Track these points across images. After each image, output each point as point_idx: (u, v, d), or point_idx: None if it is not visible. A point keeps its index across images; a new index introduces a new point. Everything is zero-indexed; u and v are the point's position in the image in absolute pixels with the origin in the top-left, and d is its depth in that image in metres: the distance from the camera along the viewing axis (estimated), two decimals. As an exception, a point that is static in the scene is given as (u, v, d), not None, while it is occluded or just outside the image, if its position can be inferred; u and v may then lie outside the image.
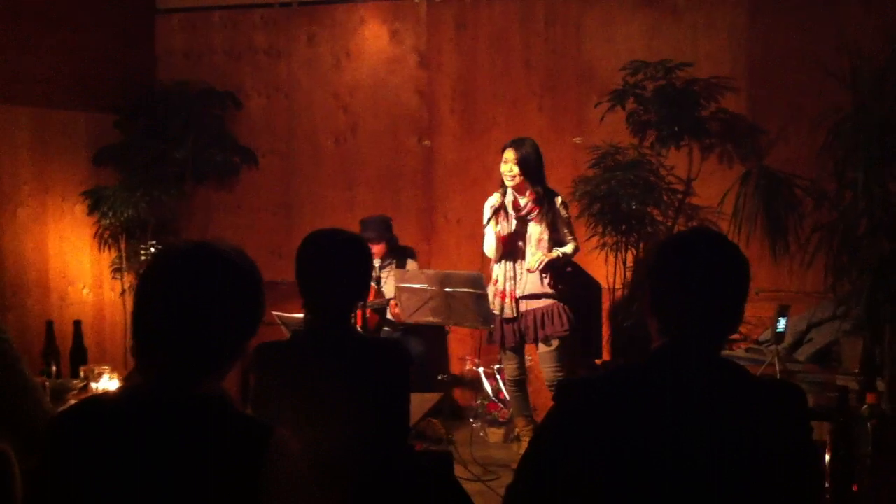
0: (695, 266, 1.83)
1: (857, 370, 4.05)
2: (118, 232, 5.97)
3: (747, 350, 4.83)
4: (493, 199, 4.93)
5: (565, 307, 4.95)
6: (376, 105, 6.29)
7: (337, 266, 2.65)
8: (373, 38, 6.28)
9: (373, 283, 5.64)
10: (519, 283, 4.96)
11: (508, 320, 4.97)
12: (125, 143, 6.04)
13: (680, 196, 5.46)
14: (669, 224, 5.41)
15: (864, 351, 3.96)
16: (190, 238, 1.51)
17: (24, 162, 5.35)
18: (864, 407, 2.76)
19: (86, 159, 5.85)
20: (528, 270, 4.93)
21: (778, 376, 3.95)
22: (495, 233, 4.91)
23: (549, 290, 4.93)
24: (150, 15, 6.54)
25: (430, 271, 5.05)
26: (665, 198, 5.43)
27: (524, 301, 4.96)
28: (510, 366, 5.12)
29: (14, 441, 2.68)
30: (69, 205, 5.72)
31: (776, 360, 4.05)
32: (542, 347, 4.98)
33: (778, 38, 5.50)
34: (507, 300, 4.95)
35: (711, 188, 5.34)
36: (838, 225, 4.33)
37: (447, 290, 4.75)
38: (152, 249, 5.39)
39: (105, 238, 5.97)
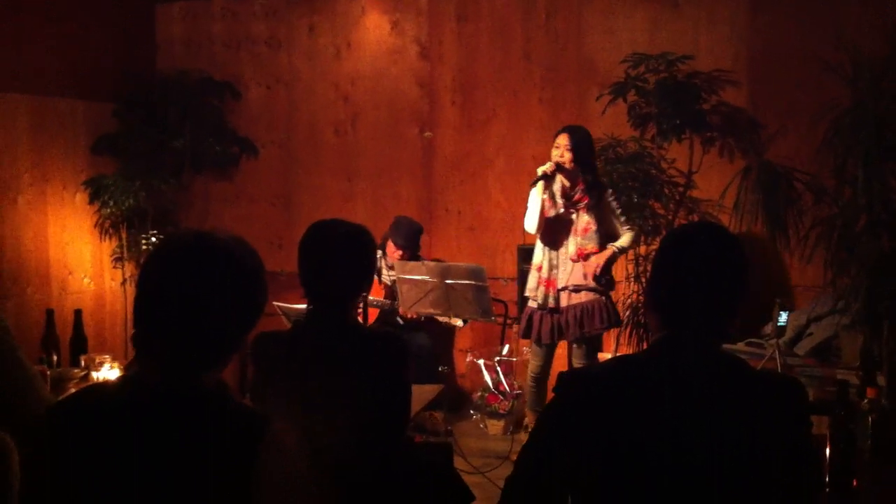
0: (692, 259, 1.84)
1: (856, 364, 4.05)
2: (119, 221, 5.97)
3: (747, 343, 4.84)
4: (546, 165, 4.74)
5: (608, 303, 4.80)
6: (377, 96, 6.28)
7: (339, 257, 2.65)
8: (374, 28, 6.26)
9: (383, 279, 5.66)
10: (562, 272, 4.82)
11: (550, 311, 4.83)
12: (124, 132, 6.03)
13: (681, 189, 5.45)
14: (670, 217, 5.41)
15: (864, 345, 3.96)
16: (189, 229, 1.51)
17: (23, 150, 5.34)
18: (864, 401, 2.77)
19: (84, 148, 5.85)
20: (571, 259, 4.79)
21: (778, 370, 3.95)
22: (541, 199, 4.73)
23: (591, 284, 4.76)
24: (150, 4, 6.53)
25: (431, 263, 5.04)
26: (666, 191, 5.42)
27: (565, 294, 4.81)
28: (536, 362, 4.98)
29: (13, 429, 2.68)
30: (69, 194, 5.71)
31: (777, 353, 4.05)
32: (576, 344, 4.88)
33: (778, 33, 5.49)
34: (551, 290, 4.81)
35: (712, 181, 5.33)
36: (837, 220, 4.33)
37: (448, 281, 4.74)
38: (153, 239, 5.38)
39: (106, 227, 5.97)
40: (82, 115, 5.81)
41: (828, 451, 2.53)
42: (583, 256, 4.78)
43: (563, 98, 5.92)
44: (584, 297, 4.78)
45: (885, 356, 3.85)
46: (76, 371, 3.63)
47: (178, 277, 1.67)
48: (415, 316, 5.49)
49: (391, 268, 5.55)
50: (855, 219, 4.34)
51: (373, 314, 5.54)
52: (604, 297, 4.79)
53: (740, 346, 4.80)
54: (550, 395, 5.05)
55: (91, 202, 5.84)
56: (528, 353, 5.10)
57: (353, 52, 6.31)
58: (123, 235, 6.03)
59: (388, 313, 5.60)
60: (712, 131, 5.49)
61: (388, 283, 5.62)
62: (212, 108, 6.35)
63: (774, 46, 5.50)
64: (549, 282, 4.83)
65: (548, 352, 4.95)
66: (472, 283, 4.70)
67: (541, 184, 4.72)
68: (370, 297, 5.29)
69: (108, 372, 3.54)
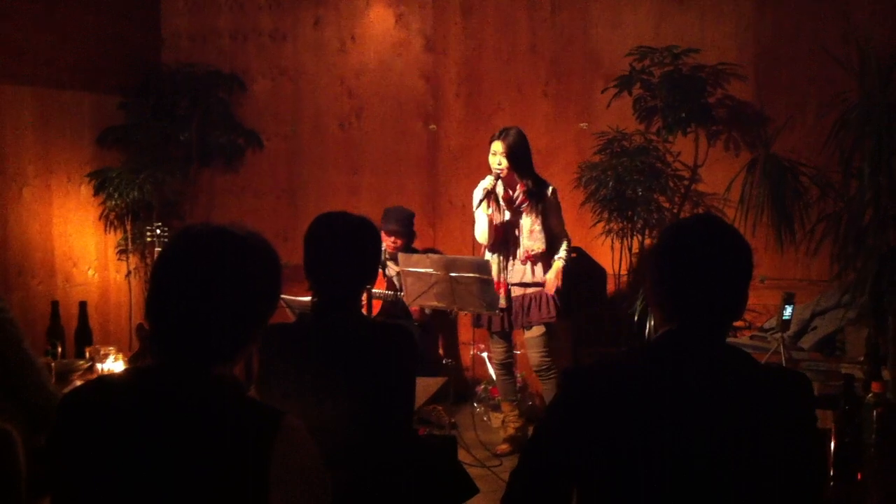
0: (694, 252, 1.83)
1: (861, 358, 4.05)
2: (124, 213, 5.98)
3: (752, 338, 4.83)
4: (486, 182, 4.90)
5: (554, 296, 4.94)
6: (382, 89, 6.27)
7: (345, 250, 2.65)
8: (379, 21, 6.26)
9: (381, 270, 5.66)
10: (511, 273, 4.99)
11: (501, 310, 4.98)
12: (130, 124, 6.04)
13: (686, 182, 5.45)
14: (675, 210, 5.40)
15: (869, 339, 3.95)
16: (204, 223, 1.51)
17: (28, 142, 5.34)
18: (869, 395, 2.76)
19: (90, 140, 5.85)
20: (521, 261, 4.96)
21: (783, 364, 3.94)
22: (487, 216, 4.89)
23: (539, 280, 4.95)
24: (155, -4, 6.53)
25: (436, 256, 5.04)
26: (671, 184, 5.42)
27: (514, 288, 4.99)
28: (497, 349, 5.15)
29: (18, 419, 2.69)
30: (74, 186, 5.72)
31: (781, 347, 4.04)
32: (527, 333, 5.00)
33: (785, 25, 5.48)
34: (501, 290, 4.97)
35: (718, 175, 5.33)
36: (844, 214, 4.32)
37: (452, 274, 4.74)
38: (158, 231, 5.39)
39: (111, 219, 5.97)
40: (88, 108, 5.81)
41: (832, 444, 2.53)
42: (531, 258, 4.95)
43: (569, 91, 5.91)
44: (530, 290, 4.99)
45: (891, 350, 3.84)
46: (81, 363, 3.65)
47: (194, 270, 1.68)
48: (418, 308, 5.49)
49: (389, 259, 5.55)
50: (861, 213, 4.33)
51: (376, 306, 5.54)
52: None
53: (744, 339, 4.80)
54: (538, 388, 5.10)
55: (96, 194, 5.85)
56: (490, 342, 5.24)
57: (357, 45, 6.30)
58: (128, 227, 6.03)
59: (391, 304, 5.59)
60: (718, 125, 5.49)
61: (391, 275, 5.62)
62: (217, 100, 6.35)
63: (781, 39, 5.49)
64: (500, 284, 4.97)
65: (504, 339, 5.13)
66: (477, 276, 4.70)
67: (485, 201, 4.88)
68: (374, 290, 5.29)
69: (113, 363, 3.55)
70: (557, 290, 4.94)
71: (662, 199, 5.41)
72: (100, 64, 5.87)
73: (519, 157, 4.87)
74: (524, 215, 4.94)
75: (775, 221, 4.92)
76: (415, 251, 5.59)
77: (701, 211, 5.40)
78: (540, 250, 4.93)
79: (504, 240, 5.00)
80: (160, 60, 6.47)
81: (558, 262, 4.97)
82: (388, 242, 5.50)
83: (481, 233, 4.97)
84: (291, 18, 6.38)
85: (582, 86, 5.86)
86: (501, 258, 4.99)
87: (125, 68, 6.06)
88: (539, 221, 4.92)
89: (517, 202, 4.94)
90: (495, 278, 4.95)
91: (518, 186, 4.93)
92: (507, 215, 4.97)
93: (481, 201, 4.88)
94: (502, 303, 4.95)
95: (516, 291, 4.98)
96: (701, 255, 1.82)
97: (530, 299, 4.96)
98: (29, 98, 5.33)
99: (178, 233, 1.80)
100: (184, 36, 6.52)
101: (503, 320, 5.01)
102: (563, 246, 5.01)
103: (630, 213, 5.36)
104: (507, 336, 5.13)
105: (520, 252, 4.96)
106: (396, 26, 6.22)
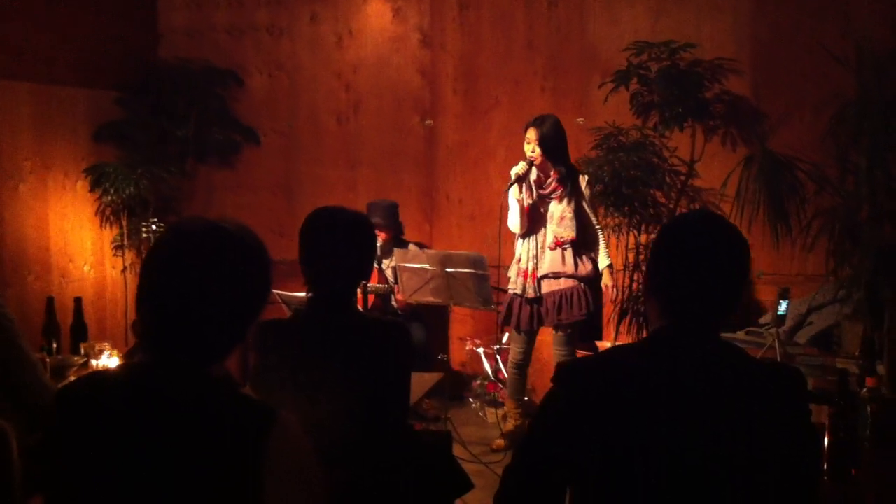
0: (692, 247, 1.84)
1: (857, 354, 4.05)
2: (119, 209, 5.97)
3: (747, 333, 4.83)
4: (518, 167, 4.85)
5: (587, 289, 4.90)
6: (378, 84, 6.26)
7: (340, 245, 2.64)
8: (375, 16, 6.25)
9: (375, 265, 5.64)
10: (541, 262, 4.92)
11: (530, 301, 4.93)
12: (126, 120, 6.03)
13: (683, 178, 5.44)
14: (672, 206, 5.40)
15: (865, 335, 3.95)
16: (196, 217, 1.51)
17: (25, 138, 5.34)
18: (864, 390, 2.77)
19: (87, 136, 5.84)
20: (549, 248, 4.90)
21: (778, 359, 3.95)
22: (517, 201, 4.85)
23: (569, 270, 4.88)
24: (152, -8, 6.52)
25: (431, 251, 5.04)
26: (668, 179, 5.41)
27: (545, 281, 4.91)
28: (517, 348, 5.08)
29: (14, 416, 2.68)
30: (70, 181, 5.71)
31: (776, 342, 4.05)
32: (557, 331, 4.96)
33: (783, 21, 5.47)
34: (529, 280, 4.91)
35: (714, 170, 5.33)
36: (840, 210, 4.32)
37: (448, 270, 4.74)
38: (154, 227, 5.38)
39: (106, 215, 5.97)
40: (85, 104, 5.80)
41: (827, 439, 2.53)
42: (560, 245, 4.90)
43: (566, 87, 5.90)
44: (563, 283, 4.90)
45: (886, 345, 3.84)
46: (76, 359, 3.64)
47: (186, 265, 1.67)
48: (413, 303, 5.48)
49: (382, 256, 5.54)
50: (858, 208, 4.33)
51: (375, 304, 5.54)
52: (582, 284, 4.90)
53: (740, 335, 4.80)
54: (534, 380, 5.09)
55: (92, 190, 5.84)
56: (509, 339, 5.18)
57: (354, 39, 6.29)
58: (124, 223, 6.03)
59: (385, 301, 5.58)
60: (715, 120, 5.48)
61: (382, 269, 5.61)
62: (214, 96, 6.34)
63: (778, 35, 5.48)
64: (529, 272, 4.91)
65: (528, 339, 5.06)
66: (473, 271, 4.70)
67: (516, 185, 4.82)
68: (368, 284, 5.28)
69: (108, 360, 3.55)
70: (590, 284, 4.93)
71: (659, 194, 5.41)
72: (98, 62, 5.86)
73: (552, 145, 4.85)
74: (555, 202, 4.90)
75: (771, 217, 4.92)
76: (403, 243, 5.58)
77: (697, 206, 5.39)
78: (570, 238, 4.88)
79: (533, 228, 4.94)
80: (157, 56, 6.46)
81: (606, 269, 4.99)
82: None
83: (514, 222, 4.92)
84: (288, 14, 6.37)
85: (579, 81, 5.86)
86: (531, 245, 4.94)
87: (123, 65, 6.05)
88: (571, 210, 4.88)
89: (549, 188, 4.90)
90: (524, 267, 4.92)
91: (552, 173, 4.90)
92: (535, 198, 4.90)
93: (511, 185, 4.83)
94: (530, 293, 4.90)
95: (546, 287, 4.90)
96: (695, 249, 1.83)
97: (561, 296, 4.89)
98: (26, 94, 5.32)
99: (168, 228, 1.79)
100: (181, 32, 6.51)
101: (532, 318, 4.94)
102: (603, 245, 5.02)
103: (627, 208, 5.35)
104: (532, 335, 5.06)
105: (550, 239, 4.90)
106: (393, 21, 6.22)
